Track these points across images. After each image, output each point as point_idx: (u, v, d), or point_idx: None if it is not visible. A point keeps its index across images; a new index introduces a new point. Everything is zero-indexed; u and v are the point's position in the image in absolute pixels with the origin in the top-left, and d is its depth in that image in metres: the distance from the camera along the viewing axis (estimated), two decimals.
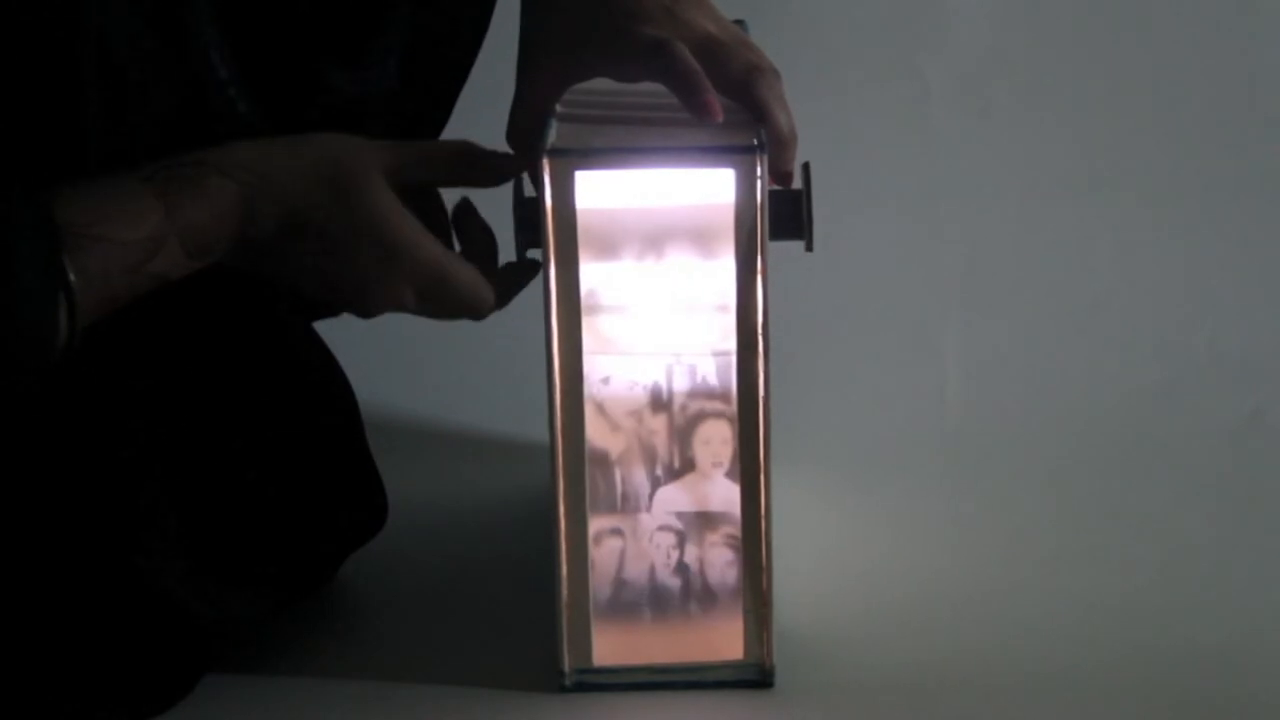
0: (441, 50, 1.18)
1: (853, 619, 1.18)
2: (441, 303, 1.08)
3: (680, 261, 1.06)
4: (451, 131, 1.21)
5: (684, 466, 1.09)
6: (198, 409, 1.08)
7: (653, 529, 1.09)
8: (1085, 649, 1.15)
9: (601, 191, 1.05)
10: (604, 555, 1.09)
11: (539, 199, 1.04)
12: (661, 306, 1.07)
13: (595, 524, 1.08)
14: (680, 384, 1.08)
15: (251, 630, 1.13)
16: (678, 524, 1.09)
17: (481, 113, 1.20)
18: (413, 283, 1.06)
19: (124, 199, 1.00)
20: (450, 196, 1.11)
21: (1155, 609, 1.19)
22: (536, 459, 1.18)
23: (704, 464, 1.08)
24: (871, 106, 1.70)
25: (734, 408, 1.07)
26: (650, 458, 1.09)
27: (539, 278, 1.06)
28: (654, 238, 1.06)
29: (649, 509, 1.09)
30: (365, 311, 1.09)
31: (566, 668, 1.10)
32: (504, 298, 1.10)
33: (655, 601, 1.10)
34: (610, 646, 1.10)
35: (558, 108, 1.11)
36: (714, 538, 1.09)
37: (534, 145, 1.06)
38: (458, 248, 1.10)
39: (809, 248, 1.08)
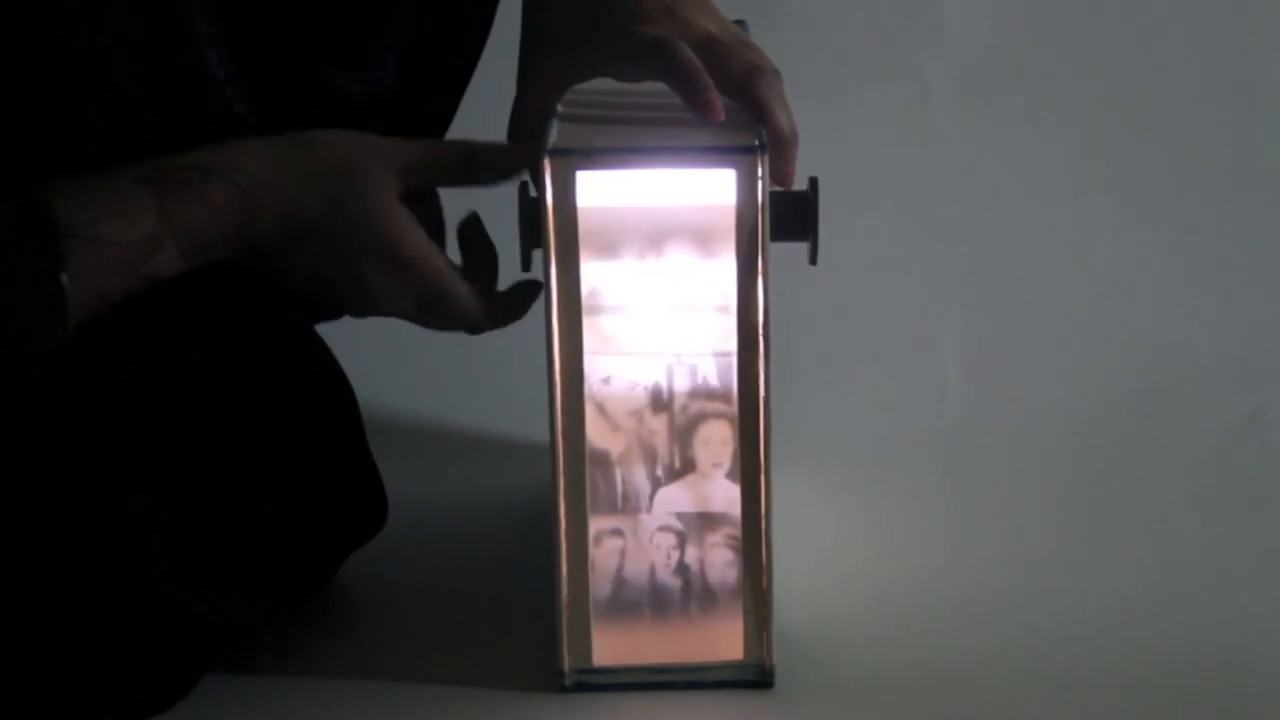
0: (442, 51, 1.18)
1: (853, 619, 1.18)
2: (438, 316, 1.10)
3: (681, 261, 1.06)
4: (452, 132, 1.22)
5: (684, 467, 1.09)
6: (197, 409, 1.08)
7: (653, 529, 1.09)
8: (1085, 649, 1.15)
9: (602, 191, 1.05)
10: (604, 555, 1.09)
11: (540, 199, 1.04)
12: (662, 306, 1.07)
13: (595, 524, 1.08)
14: (681, 384, 1.08)
15: (251, 630, 1.13)
16: (678, 524, 1.09)
17: (481, 113, 1.20)
18: (413, 294, 1.07)
19: (122, 199, 1.00)
20: (457, 203, 1.12)
21: (1155, 609, 1.19)
22: (536, 459, 1.17)
23: (704, 464, 1.08)
24: (871, 106, 1.70)
25: (734, 408, 1.07)
26: (651, 458, 1.09)
27: (539, 275, 1.06)
28: (655, 238, 1.06)
29: (649, 509, 1.09)
30: (360, 313, 1.09)
31: (566, 668, 1.10)
32: (503, 319, 1.11)
33: (655, 602, 1.10)
34: (610, 646, 1.10)
35: (559, 108, 1.11)
36: (714, 538, 1.09)
37: (535, 146, 1.06)
38: (459, 259, 1.10)
39: (813, 260, 1.08)
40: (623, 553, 1.09)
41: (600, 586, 1.09)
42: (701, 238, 1.05)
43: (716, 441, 1.08)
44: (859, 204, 1.62)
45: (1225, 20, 1.72)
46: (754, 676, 1.10)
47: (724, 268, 1.05)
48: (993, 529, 1.31)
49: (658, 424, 1.08)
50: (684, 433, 1.08)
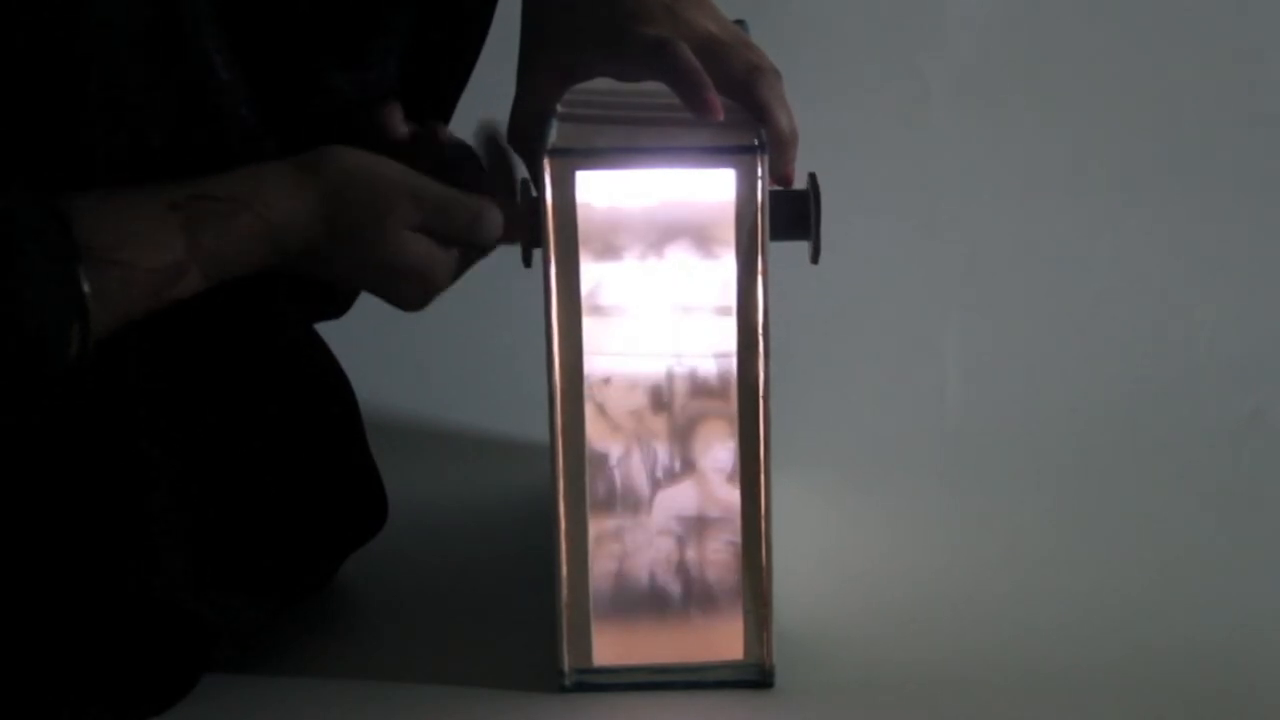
0: (442, 51, 1.18)
1: (853, 619, 1.18)
2: (454, 225, 1.06)
3: (681, 261, 1.06)
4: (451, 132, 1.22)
5: (684, 468, 1.09)
6: (198, 409, 1.08)
7: (653, 531, 1.09)
8: (1085, 649, 1.15)
9: (602, 191, 1.05)
10: (604, 556, 1.09)
11: (540, 199, 1.04)
12: (662, 307, 1.07)
13: (595, 525, 1.08)
14: (681, 385, 1.08)
15: (252, 631, 1.13)
16: (678, 526, 1.09)
17: (481, 113, 1.20)
18: (420, 210, 1.05)
19: (150, 225, 1.00)
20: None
21: (1155, 609, 1.19)
22: (536, 459, 1.17)
23: (704, 465, 1.08)
24: (871, 106, 1.70)
25: (734, 408, 1.07)
26: (650, 458, 1.09)
27: (539, 275, 1.06)
28: (655, 237, 1.06)
29: (649, 510, 1.09)
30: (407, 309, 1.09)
31: (566, 668, 1.10)
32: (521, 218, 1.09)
33: (655, 602, 1.10)
34: (610, 647, 1.10)
35: (559, 108, 1.11)
36: (714, 539, 1.09)
37: (535, 146, 1.06)
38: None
39: (815, 259, 1.08)
40: (622, 553, 1.09)
41: (600, 587, 1.09)
42: (701, 237, 1.05)
43: (716, 441, 1.08)
44: (859, 204, 1.61)
45: (1225, 20, 1.72)
46: (754, 676, 1.10)
47: (724, 267, 1.05)
48: (993, 529, 1.31)
49: (657, 424, 1.08)
50: (684, 433, 1.08)
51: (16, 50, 1.00)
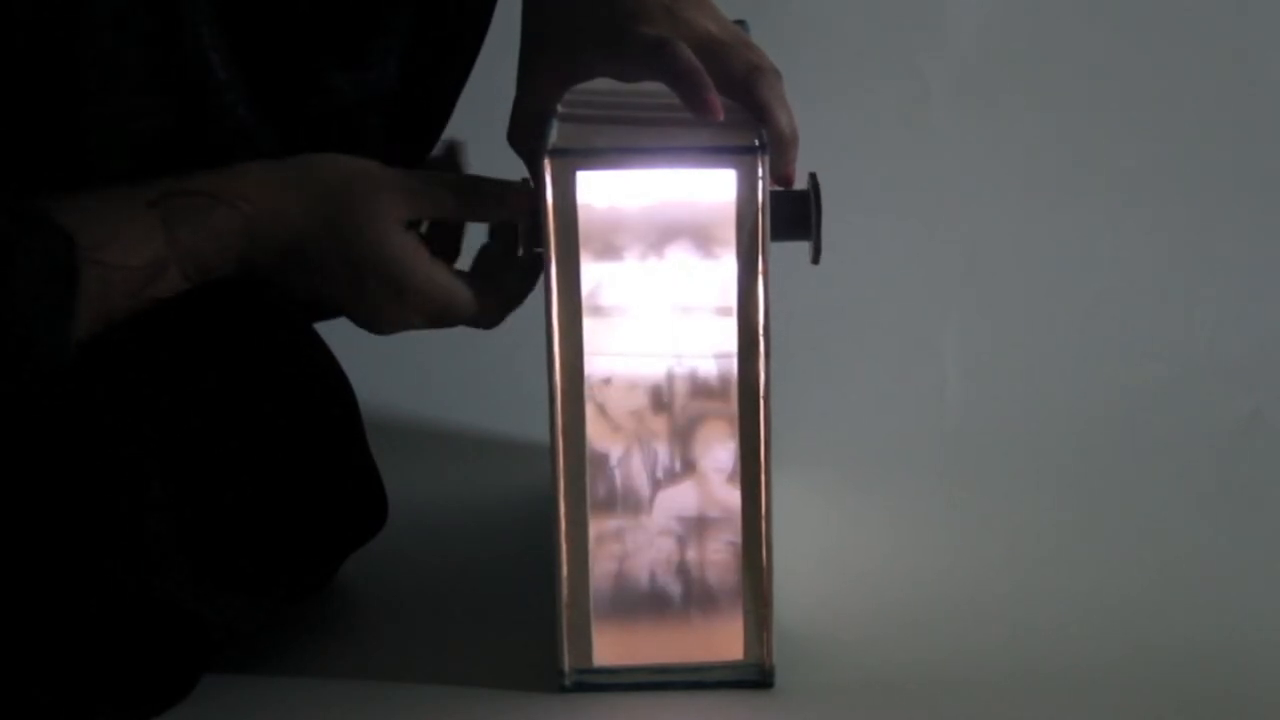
0: (442, 51, 1.18)
1: (853, 619, 1.18)
2: (446, 324, 1.10)
3: (681, 261, 1.06)
4: (451, 132, 1.22)
5: (685, 468, 1.09)
6: (198, 409, 1.08)
7: (654, 531, 1.09)
8: (1085, 649, 1.15)
9: (603, 191, 1.05)
10: (604, 556, 1.09)
11: (540, 199, 1.04)
12: (662, 307, 1.07)
13: (596, 525, 1.08)
14: (681, 385, 1.08)
15: (252, 631, 1.13)
16: (678, 526, 1.09)
17: (481, 113, 1.20)
18: (420, 313, 1.08)
19: (127, 224, 1.00)
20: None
21: (1155, 609, 1.19)
22: (536, 459, 1.18)
23: (704, 465, 1.08)
24: (871, 106, 1.70)
25: (734, 408, 1.07)
26: (651, 459, 1.09)
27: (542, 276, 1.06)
28: (655, 238, 1.06)
29: (650, 511, 1.09)
30: (374, 330, 1.10)
31: (566, 668, 1.10)
32: (512, 303, 1.11)
33: (655, 603, 1.10)
34: (610, 647, 1.10)
35: (559, 108, 1.11)
36: (714, 539, 1.09)
37: (535, 146, 1.06)
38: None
39: (816, 260, 1.08)
40: (623, 554, 1.09)
41: (600, 587, 1.09)
42: (702, 238, 1.05)
43: (716, 442, 1.08)
44: (859, 204, 1.62)
45: (1225, 20, 1.72)
46: (754, 676, 1.10)
47: (724, 268, 1.05)
48: (993, 529, 1.31)
49: (658, 425, 1.08)
50: (684, 433, 1.08)
51: (16, 50, 1.00)
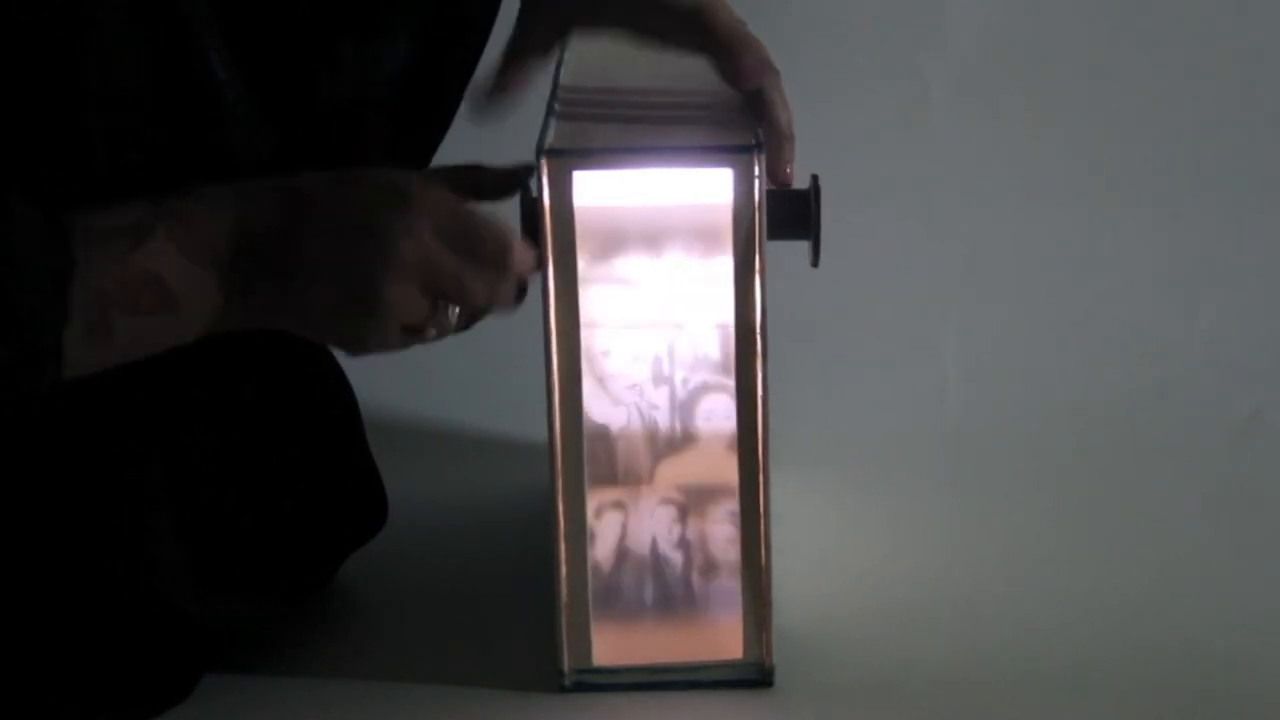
0: (458, 29, 1.16)
1: (853, 619, 1.18)
2: (469, 241, 1.00)
3: (678, 261, 1.06)
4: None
5: (685, 440, 1.08)
6: (197, 410, 1.08)
7: (652, 527, 1.09)
8: (1085, 649, 1.15)
9: (600, 191, 1.05)
10: (605, 528, 1.08)
11: (538, 199, 1.04)
12: (660, 306, 1.07)
13: (595, 498, 1.08)
14: (682, 385, 1.08)
15: (252, 631, 1.13)
16: (678, 526, 1.09)
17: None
18: (433, 220, 0.99)
19: (118, 203, 0.99)
20: None
21: (1155, 609, 1.19)
22: (536, 459, 1.17)
23: (704, 445, 1.08)
24: (871, 106, 1.70)
25: (733, 381, 1.06)
26: (651, 437, 1.08)
27: (538, 277, 1.06)
28: (652, 237, 1.06)
29: (650, 512, 1.09)
30: (384, 296, 1.01)
31: (566, 668, 1.10)
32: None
33: (655, 602, 1.10)
34: (610, 646, 1.10)
35: (556, 106, 1.11)
36: (714, 540, 1.09)
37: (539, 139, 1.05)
38: None
39: (815, 262, 1.08)
40: (624, 526, 1.09)
41: (601, 561, 1.08)
42: (699, 237, 1.05)
43: (719, 416, 1.08)
44: (859, 204, 1.62)
45: (1225, 20, 1.72)
46: (754, 676, 1.10)
47: (721, 267, 1.05)
48: (993, 529, 1.31)
49: (657, 410, 1.08)
50: (684, 409, 1.08)
51: (16, 50, 1.00)
